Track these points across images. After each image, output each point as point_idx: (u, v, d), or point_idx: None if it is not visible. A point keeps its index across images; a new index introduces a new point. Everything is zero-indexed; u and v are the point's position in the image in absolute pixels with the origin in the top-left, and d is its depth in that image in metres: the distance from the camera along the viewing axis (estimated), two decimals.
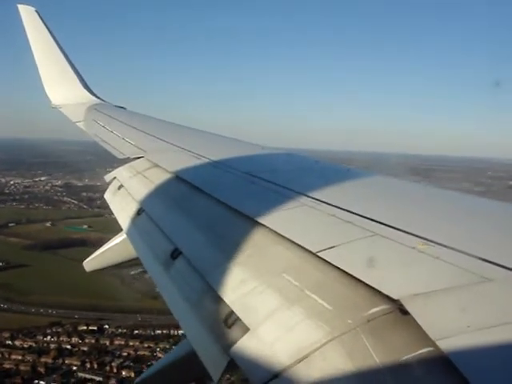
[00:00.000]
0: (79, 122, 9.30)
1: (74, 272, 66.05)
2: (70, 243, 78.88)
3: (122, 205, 4.90)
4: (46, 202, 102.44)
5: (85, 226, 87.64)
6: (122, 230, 4.72)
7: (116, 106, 11.04)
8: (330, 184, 3.89)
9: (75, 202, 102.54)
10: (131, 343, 52.81)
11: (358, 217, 2.82)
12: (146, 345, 52.54)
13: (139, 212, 4.31)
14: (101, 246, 5.50)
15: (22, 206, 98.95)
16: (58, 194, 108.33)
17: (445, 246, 2.28)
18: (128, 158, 5.99)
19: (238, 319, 2.25)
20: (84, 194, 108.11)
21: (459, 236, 2.49)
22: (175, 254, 3.18)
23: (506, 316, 1.66)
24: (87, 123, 9.08)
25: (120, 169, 5.85)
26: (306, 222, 2.95)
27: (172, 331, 53.46)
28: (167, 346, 50.68)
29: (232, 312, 2.32)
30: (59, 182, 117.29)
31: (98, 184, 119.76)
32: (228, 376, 2.29)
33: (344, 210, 2.98)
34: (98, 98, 11.32)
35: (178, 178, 4.57)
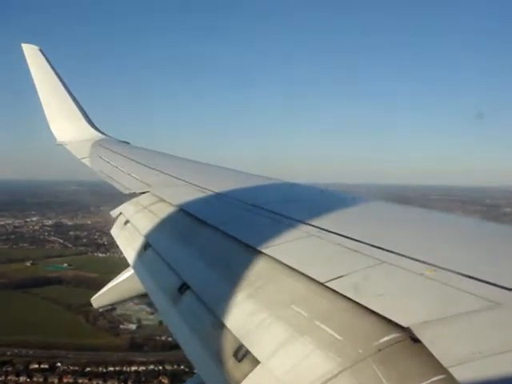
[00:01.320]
0: (84, 158, 9.43)
1: (40, 310, 65.78)
2: (45, 282, 78.12)
3: (129, 240, 4.95)
4: (32, 241, 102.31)
5: (65, 265, 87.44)
6: (128, 265, 4.78)
7: (120, 140, 11.18)
8: (335, 213, 3.94)
9: (61, 241, 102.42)
10: (80, 381, 51.13)
11: (364, 245, 2.85)
12: (94, 382, 50.86)
13: (146, 247, 4.34)
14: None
15: (6, 246, 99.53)
16: (46, 233, 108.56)
17: (453, 272, 2.29)
18: (134, 192, 6.06)
19: (247, 352, 2.25)
20: (72, 232, 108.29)
21: (467, 261, 2.51)
22: (183, 288, 3.19)
23: None
24: (92, 159, 9.21)
25: (126, 204, 5.92)
26: (313, 252, 2.98)
27: (125, 368, 52.45)
28: (115, 383, 49.56)
29: (241, 345, 2.31)
30: (50, 221, 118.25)
31: (89, 223, 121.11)
32: None
33: (350, 238, 3.00)
34: (103, 133, 11.47)
35: (184, 212, 4.61)
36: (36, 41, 11.83)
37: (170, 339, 60.91)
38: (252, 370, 2.13)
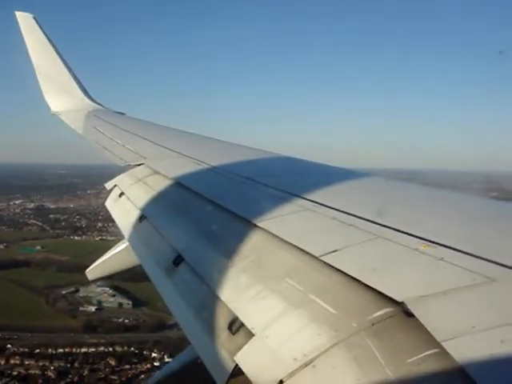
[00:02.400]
0: (79, 128, 9.30)
1: (2, 293, 65.80)
2: (13, 264, 78.36)
3: (124, 212, 4.94)
4: (10, 224, 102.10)
5: (38, 247, 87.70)
6: (123, 237, 4.76)
7: (115, 111, 11.04)
8: (331, 187, 3.92)
9: (39, 223, 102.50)
10: (27, 362, 51.00)
11: (359, 219, 2.84)
12: (40, 363, 50.68)
13: (140, 219, 4.32)
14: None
15: None
16: (26, 216, 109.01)
17: (448, 247, 2.29)
18: (128, 164, 6.00)
19: (242, 325, 2.26)
20: (52, 216, 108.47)
21: (462, 237, 2.50)
22: (178, 260, 3.19)
23: (511, 316, 1.67)
24: (87, 130, 9.11)
25: (121, 176, 5.86)
26: (308, 226, 2.97)
27: (74, 349, 52.46)
28: (62, 364, 49.83)
29: (236, 318, 2.32)
30: (32, 204, 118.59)
31: (71, 206, 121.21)
32: (233, 382, 2.19)
33: (345, 213, 2.99)
34: (98, 103, 11.31)
35: (179, 185, 4.59)
36: (30, 8, 11.55)
37: (126, 321, 61.17)
38: (246, 342, 2.13)
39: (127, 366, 49.96)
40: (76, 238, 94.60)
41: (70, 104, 11.04)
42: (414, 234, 2.51)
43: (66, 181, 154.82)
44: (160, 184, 4.89)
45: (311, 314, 2.06)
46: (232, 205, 3.55)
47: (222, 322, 2.41)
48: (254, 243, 2.92)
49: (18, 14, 11.05)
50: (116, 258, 5.37)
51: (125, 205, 5.04)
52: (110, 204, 5.45)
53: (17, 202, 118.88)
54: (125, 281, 72.43)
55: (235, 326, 2.31)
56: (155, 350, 52.88)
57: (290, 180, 4.38)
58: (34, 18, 11.08)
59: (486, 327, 1.62)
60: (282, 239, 2.77)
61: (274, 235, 2.86)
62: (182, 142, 7.65)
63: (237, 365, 2.11)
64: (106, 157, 6.97)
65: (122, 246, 5.23)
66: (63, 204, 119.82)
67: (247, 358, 2.08)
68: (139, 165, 5.87)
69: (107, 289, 68.09)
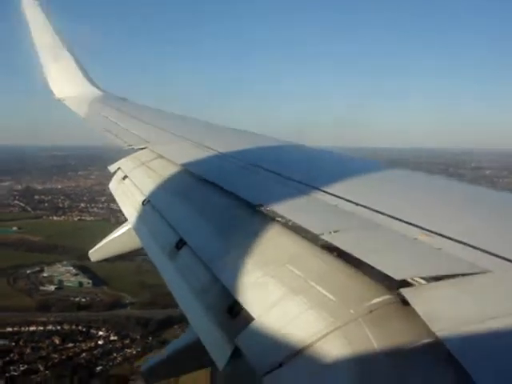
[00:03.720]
0: (82, 114, 9.38)
1: None
2: None
3: (127, 195, 4.96)
4: None
5: (14, 228, 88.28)
6: (126, 220, 4.83)
7: (119, 97, 11.12)
8: (333, 174, 3.97)
9: (22, 204, 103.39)
10: None
11: (361, 207, 2.84)
12: None
13: (144, 202, 4.34)
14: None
15: None
16: (11, 197, 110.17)
17: (447, 238, 2.29)
18: (132, 148, 6.04)
19: (242, 308, 2.29)
20: (37, 197, 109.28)
21: (462, 227, 2.50)
22: (180, 244, 3.20)
23: (505, 307, 1.69)
24: (90, 115, 9.23)
25: (124, 159, 5.91)
26: (309, 212, 2.97)
27: (23, 328, 52.44)
28: (6, 343, 49.92)
29: (236, 301, 2.34)
30: (20, 186, 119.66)
31: (59, 187, 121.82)
32: (233, 364, 2.20)
33: (347, 200, 3.00)
34: (101, 89, 11.38)
35: (182, 169, 4.60)
36: None
37: (83, 300, 61.33)
38: (246, 326, 2.16)
39: (70, 345, 50.15)
40: (55, 218, 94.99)
41: (74, 89, 11.09)
42: (413, 223, 2.51)
43: (59, 162, 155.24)
44: (163, 168, 4.92)
45: (310, 300, 2.08)
46: (234, 189, 3.53)
47: (222, 306, 2.44)
48: (255, 228, 2.92)
49: (24, 0, 11.13)
50: (118, 240, 5.41)
51: (128, 188, 5.08)
52: (114, 186, 5.50)
53: (6, 184, 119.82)
54: (90, 260, 72.62)
55: (235, 309, 2.34)
56: (103, 329, 53.15)
57: (295, 167, 4.37)
58: (39, 4, 11.17)
59: (481, 318, 1.63)
60: (283, 225, 2.82)
61: (275, 220, 2.89)
62: (186, 126, 7.67)
63: (237, 347, 2.13)
64: (109, 140, 7.01)
65: (124, 229, 5.24)
66: (51, 185, 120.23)
67: (247, 341, 2.10)
68: (142, 148, 5.88)
69: (71, 268, 68.30)
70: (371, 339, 1.75)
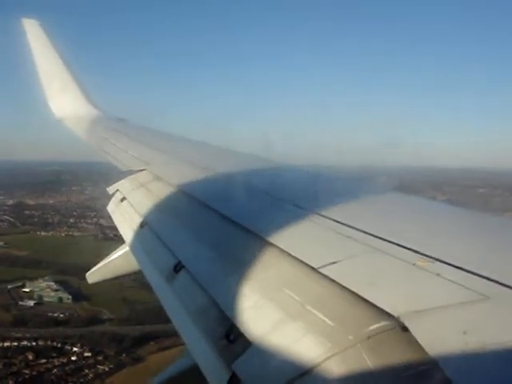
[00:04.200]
0: (82, 134, 9.49)
1: None
2: None
3: (125, 217, 4.97)
4: None
5: (0, 243, 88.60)
6: (124, 242, 4.80)
7: (118, 118, 11.16)
8: (330, 198, 3.95)
9: (11, 219, 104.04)
10: None
11: (358, 232, 2.85)
12: None
13: (142, 225, 4.35)
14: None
15: None
16: (1, 212, 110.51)
17: (445, 263, 2.30)
18: (131, 170, 6.05)
19: (240, 333, 2.28)
20: (27, 212, 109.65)
21: (460, 253, 2.51)
22: (178, 267, 3.21)
23: (504, 334, 1.69)
24: (90, 136, 9.31)
25: (122, 181, 5.92)
26: (306, 236, 2.99)
27: None
28: None
29: (234, 326, 2.34)
30: (11, 201, 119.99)
31: (51, 202, 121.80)
32: None
33: (344, 224, 3.01)
34: (101, 110, 11.50)
35: (181, 191, 4.62)
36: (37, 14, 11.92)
37: (61, 315, 61.00)
38: (244, 351, 2.15)
39: (43, 361, 49.66)
40: (43, 233, 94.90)
41: (74, 110, 11.18)
42: (412, 248, 2.52)
43: (55, 177, 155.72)
44: (162, 190, 4.91)
45: (308, 325, 2.08)
46: (233, 213, 3.55)
47: (220, 330, 2.43)
48: (253, 252, 2.92)
49: (25, 20, 11.27)
50: (116, 262, 5.38)
51: (126, 210, 5.07)
52: (112, 208, 5.50)
53: None
54: (73, 275, 72.44)
55: (233, 334, 2.33)
56: (77, 345, 52.70)
57: (291, 189, 4.39)
58: (40, 25, 11.29)
59: (480, 345, 1.62)
60: (280, 249, 2.78)
61: (272, 245, 2.87)
62: (185, 148, 7.69)
63: (234, 373, 2.12)
64: (108, 161, 7.01)
65: (122, 251, 5.20)
66: (44, 200, 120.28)
67: (244, 367, 2.10)
68: (141, 170, 5.87)
69: (52, 283, 68.11)
70: (369, 365, 1.75)
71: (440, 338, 1.70)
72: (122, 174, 6.20)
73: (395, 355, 1.77)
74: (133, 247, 4.38)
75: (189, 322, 2.73)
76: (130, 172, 6.05)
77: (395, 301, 2.00)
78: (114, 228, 5.49)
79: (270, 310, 2.31)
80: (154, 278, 3.53)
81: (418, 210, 3.84)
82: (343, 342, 1.90)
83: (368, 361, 1.77)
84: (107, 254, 6.07)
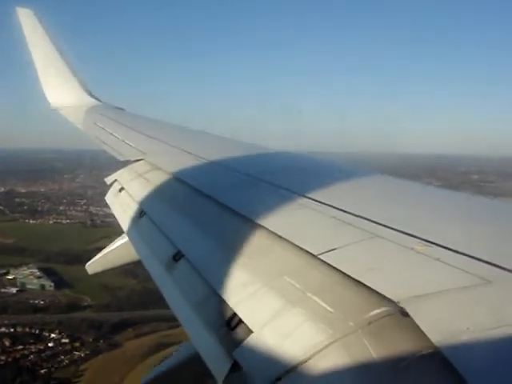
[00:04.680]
0: (78, 124, 9.40)
1: None
2: None
3: (124, 207, 4.96)
4: None
5: None
6: (123, 232, 4.82)
7: (115, 107, 11.13)
8: (329, 184, 3.93)
9: (0, 207, 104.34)
10: None
11: (358, 218, 2.85)
12: None
13: (141, 214, 4.35)
14: None
15: None
16: None
17: (444, 248, 2.30)
18: (128, 160, 6.04)
19: (240, 321, 2.28)
20: (17, 199, 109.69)
21: (459, 237, 2.51)
22: (177, 256, 3.21)
23: (505, 318, 1.69)
24: (86, 125, 9.21)
25: (121, 171, 5.91)
26: (306, 224, 2.98)
27: None
28: None
29: (235, 314, 2.34)
30: (3, 188, 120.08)
31: (42, 190, 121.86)
32: (232, 378, 2.17)
33: (343, 211, 3.01)
34: (97, 99, 11.42)
35: (179, 180, 4.61)
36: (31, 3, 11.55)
37: (42, 302, 61.28)
38: (245, 339, 2.16)
39: (20, 347, 50.07)
40: (31, 221, 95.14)
41: (70, 99, 11.11)
42: (410, 233, 2.52)
43: (48, 165, 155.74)
44: (160, 179, 4.91)
45: (309, 312, 2.07)
46: (231, 201, 3.56)
47: (220, 319, 2.42)
48: (253, 240, 2.93)
49: (19, 9, 11.11)
50: (116, 252, 5.40)
51: (125, 200, 5.07)
52: (110, 199, 5.49)
53: None
54: (58, 263, 72.53)
55: (234, 322, 2.33)
56: (56, 332, 53.06)
57: (290, 177, 4.36)
58: (35, 14, 11.11)
59: (481, 329, 1.62)
60: (280, 237, 2.78)
61: (272, 232, 2.86)
62: (183, 137, 7.66)
63: (235, 361, 2.12)
64: (106, 151, 6.98)
65: (121, 241, 5.23)
66: (35, 188, 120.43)
67: (246, 354, 2.09)
68: (139, 160, 5.86)
69: (36, 271, 68.36)
70: (371, 351, 1.74)
71: (441, 322, 1.70)
72: (119, 164, 6.16)
73: (396, 341, 1.76)
74: (132, 237, 4.39)
75: (189, 310, 2.73)
76: (128, 162, 6.02)
77: (395, 286, 1.99)
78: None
79: (271, 298, 2.30)
80: (154, 268, 3.51)
81: (414, 194, 3.85)
82: (344, 329, 1.89)
83: (369, 347, 1.76)
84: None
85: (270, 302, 2.27)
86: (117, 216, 4.94)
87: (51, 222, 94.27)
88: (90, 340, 52.26)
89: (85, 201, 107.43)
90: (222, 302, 2.49)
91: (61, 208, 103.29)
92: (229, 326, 2.34)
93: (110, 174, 6.12)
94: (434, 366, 1.60)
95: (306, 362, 1.84)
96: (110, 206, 5.36)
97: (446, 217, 3.05)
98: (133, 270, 55.70)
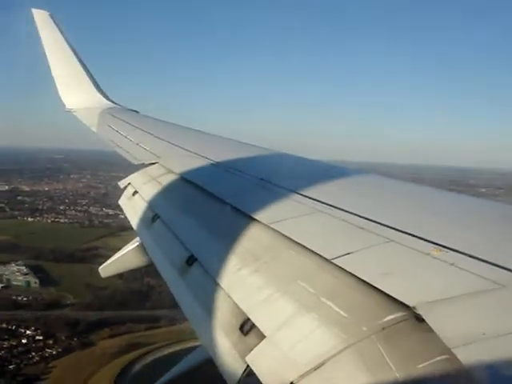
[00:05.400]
0: (93, 126, 9.41)
1: None
2: None
3: (137, 211, 4.96)
4: None
5: None
6: (136, 236, 4.87)
7: (129, 109, 11.11)
8: (342, 189, 3.99)
9: (2, 205, 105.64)
10: None
11: (371, 222, 2.84)
12: None
13: (154, 218, 4.35)
14: None
15: None
16: None
17: (459, 252, 2.29)
18: (142, 163, 6.05)
19: (253, 326, 2.28)
20: (20, 197, 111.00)
21: (474, 242, 2.50)
22: (191, 260, 3.22)
23: None
24: (101, 127, 9.21)
25: (134, 175, 5.93)
26: (320, 228, 2.98)
27: None
28: None
29: (248, 319, 2.34)
30: (7, 187, 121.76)
31: (46, 189, 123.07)
32: (244, 382, 2.21)
33: (357, 215, 2.99)
34: (112, 101, 11.43)
35: (193, 184, 4.60)
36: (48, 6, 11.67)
37: (24, 299, 61.32)
38: (257, 343, 2.14)
39: None
40: (30, 219, 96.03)
41: (85, 101, 11.09)
42: (425, 238, 2.50)
43: (56, 165, 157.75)
44: (174, 183, 4.92)
45: (322, 317, 2.06)
46: (245, 206, 3.54)
47: (233, 323, 2.40)
48: (266, 244, 2.93)
49: (35, 11, 11.13)
50: (129, 256, 5.34)
51: (138, 203, 5.05)
52: (124, 202, 5.46)
53: None
54: (48, 260, 72.63)
55: (247, 326, 2.31)
56: (31, 328, 52.92)
57: (304, 181, 4.31)
58: (50, 16, 11.13)
59: (497, 334, 1.61)
60: (294, 241, 2.76)
61: (286, 237, 2.85)
62: (198, 141, 7.62)
63: (248, 366, 2.11)
64: (119, 154, 6.96)
65: (135, 245, 5.21)
66: (39, 187, 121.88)
67: (258, 359, 2.09)
68: (153, 163, 5.85)
69: (23, 268, 68.60)
70: (385, 356, 1.73)
71: (457, 327, 1.68)
72: (132, 167, 6.14)
73: (411, 346, 1.75)
74: (145, 241, 4.39)
75: (202, 315, 2.71)
76: (142, 165, 5.99)
77: (410, 291, 1.97)
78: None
79: (284, 302, 2.29)
80: (167, 272, 3.51)
81: (429, 199, 3.80)
82: (358, 334, 1.88)
83: (383, 352, 1.75)
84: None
85: (283, 307, 2.26)
86: (130, 219, 4.90)
87: (49, 220, 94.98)
88: (64, 338, 51.95)
89: (86, 201, 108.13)
90: (235, 307, 2.48)
91: (61, 207, 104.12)
92: (242, 330, 2.33)
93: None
94: (450, 371, 1.59)
95: (320, 367, 1.82)
96: (124, 210, 5.29)
97: (460, 221, 3.03)
98: None
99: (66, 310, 59.56)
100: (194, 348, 4.36)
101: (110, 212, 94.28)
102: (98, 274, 6.08)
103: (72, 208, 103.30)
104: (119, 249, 5.69)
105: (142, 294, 61.01)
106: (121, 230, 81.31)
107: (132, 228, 4.83)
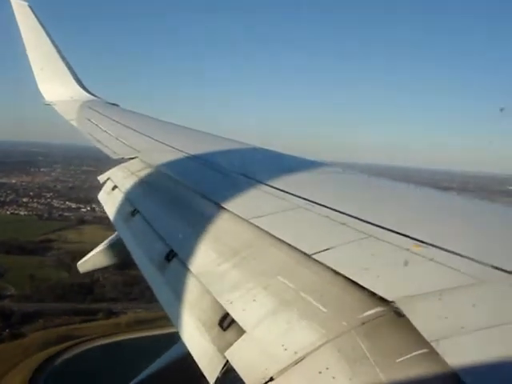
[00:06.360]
0: (72, 120, 9.25)
1: None
2: None
3: (116, 206, 4.93)
4: None
5: None
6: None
7: (109, 102, 10.99)
8: (323, 185, 4.03)
9: None
10: None
11: (352, 218, 2.85)
12: None
13: (133, 213, 4.32)
14: None
15: None
16: None
17: (439, 248, 2.30)
18: (122, 158, 6.01)
19: (233, 321, 2.27)
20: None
21: (453, 237, 2.52)
22: (170, 255, 3.20)
23: (500, 317, 1.70)
24: (80, 121, 9.09)
25: (114, 169, 5.88)
26: (300, 223, 2.99)
27: None
28: None
29: (227, 314, 2.33)
30: None
31: (13, 181, 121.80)
32: (223, 378, 2.17)
33: (338, 211, 3.00)
34: (92, 94, 11.30)
35: (173, 179, 4.63)
36: None
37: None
38: (237, 339, 2.14)
39: None
40: None
41: (64, 94, 10.95)
42: (405, 233, 2.52)
43: (29, 158, 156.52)
44: (153, 178, 4.94)
45: (302, 312, 2.06)
46: (226, 201, 3.55)
47: (213, 319, 2.41)
48: (246, 240, 2.93)
49: (14, 1, 10.90)
50: (107, 251, 5.39)
51: (118, 198, 5.02)
52: (103, 197, 5.42)
53: None
54: None
55: (226, 322, 2.31)
56: None
57: (283, 177, 4.35)
58: (30, 7, 10.94)
59: (476, 328, 1.63)
60: (274, 236, 2.77)
61: (266, 232, 2.86)
62: (177, 136, 7.63)
63: (228, 361, 2.11)
64: (99, 149, 6.90)
65: (113, 240, 5.24)
66: (7, 180, 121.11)
67: (238, 355, 2.08)
68: (133, 158, 5.83)
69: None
70: (365, 351, 1.73)
71: (436, 322, 1.70)
72: (112, 162, 6.09)
73: (391, 340, 1.75)
74: (124, 236, 4.35)
75: (182, 310, 2.69)
76: (121, 160, 5.95)
77: (390, 286, 1.99)
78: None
79: (264, 298, 2.28)
80: (146, 267, 3.48)
81: (409, 195, 3.84)
82: (337, 329, 1.88)
83: (363, 346, 1.75)
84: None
85: (263, 302, 2.25)
86: (109, 214, 4.87)
87: (8, 212, 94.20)
88: None
89: (51, 194, 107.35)
90: (214, 302, 2.47)
91: (24, 200, 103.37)
92: (221, 326, 2.32)
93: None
94: (429, 365, 1.59)
95: (299, 362, 1.81)
96: (103, 205, 5.24)
97: (440, 217, 3.08)
98: (69, 263, 55.06)
99: (6, 301, 59.17)
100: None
101: (73, 206, 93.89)
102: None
103: (35, 201, 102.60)
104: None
105: (84, 287, 60.85)
106: (79, 224, 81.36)
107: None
